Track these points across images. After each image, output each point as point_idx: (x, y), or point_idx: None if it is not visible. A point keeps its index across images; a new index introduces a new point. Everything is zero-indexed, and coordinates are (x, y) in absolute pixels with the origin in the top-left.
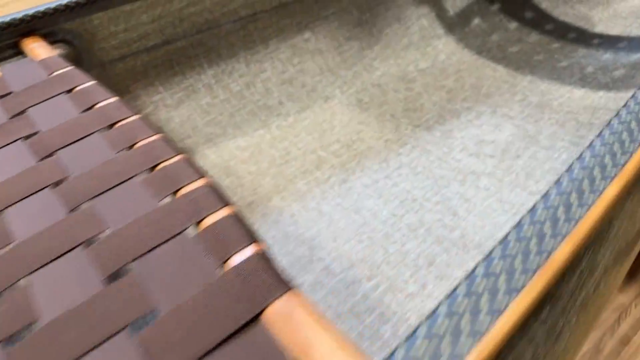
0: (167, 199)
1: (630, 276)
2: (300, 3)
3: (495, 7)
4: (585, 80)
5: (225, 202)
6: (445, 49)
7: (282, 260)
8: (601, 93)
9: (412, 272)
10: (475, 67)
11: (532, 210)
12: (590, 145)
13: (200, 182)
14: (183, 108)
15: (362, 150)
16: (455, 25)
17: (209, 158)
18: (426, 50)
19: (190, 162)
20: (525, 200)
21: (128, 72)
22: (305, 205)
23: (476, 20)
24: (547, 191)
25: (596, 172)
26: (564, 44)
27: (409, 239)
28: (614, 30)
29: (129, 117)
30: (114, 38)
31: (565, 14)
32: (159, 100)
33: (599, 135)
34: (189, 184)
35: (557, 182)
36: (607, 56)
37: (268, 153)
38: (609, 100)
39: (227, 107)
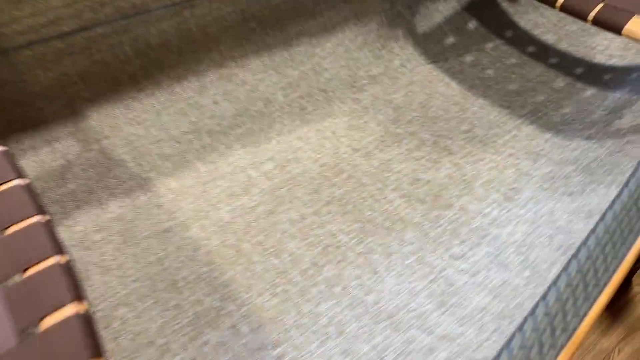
0: None
1: (613, 318)
2: None
3: (457, 6)
4: (536, 114)
5: (57, 249)
6: (402, 53)
7: (190, 310)
8: (548, 135)
9: (321, 341)
10: (428, 81)
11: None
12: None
13: (32, 220)
14: (102, 102)
15: (296, 175)
16: (415, 26)
17: (127, 165)
18: (381, 52)
19: (27, 192)
20: (445, 266)
21: (37, 60)
22: (225, 241)
23: (437, 20)
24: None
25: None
26: (523, 61)
27: (324, 297)
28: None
29: None
30: (18, 23)
31: (544, 31)
32: (74, 93)
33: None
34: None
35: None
36: (561, 83)
37: (194, 166)
38: (554, 147)
39: (154, 104)
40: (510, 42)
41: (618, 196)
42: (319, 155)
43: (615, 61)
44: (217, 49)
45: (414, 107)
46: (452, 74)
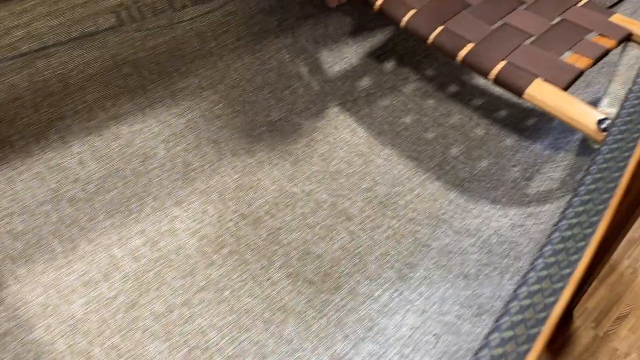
0: None
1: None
2: (116, 33)
3: (372, 40)
4: (444, 168)
5: None
6: (306, 94)
7: None
8: (453, 195)
9: None
10: (334, 127)
11: None
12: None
13: None
14: None
15: (169, 252)
16: (322, 63)
17: None
18: (282, 94)
19: None
20: None
21: None
22: (73, 345)
23: (348, 57)
24: None
25: None
26: (442, 104)
27: None
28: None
29: None
30: None
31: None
32: None
33: None
34: None
35: None
36: (480, 130)
37: (48, 245)
38: (457, 211)
39: (6, 169)
40: (431, 81)
41: (515, 297)
42: (199, 226)
43: None
44: (82, 100)
45: (315, 159)
46: (360, 118)
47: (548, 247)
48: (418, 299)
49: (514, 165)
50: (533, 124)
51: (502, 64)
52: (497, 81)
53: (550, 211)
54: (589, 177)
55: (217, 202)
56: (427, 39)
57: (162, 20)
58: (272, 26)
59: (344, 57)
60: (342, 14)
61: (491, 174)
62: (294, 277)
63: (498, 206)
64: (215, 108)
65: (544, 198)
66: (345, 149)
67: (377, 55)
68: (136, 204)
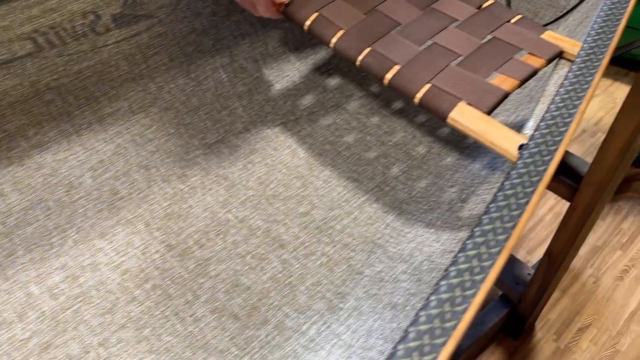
0: None
1: None
2: (34, 59)
3: (317, 57)
4: (383, 189)
5: None
6: (245, 115)
7: None
8: (390, 218)
9: None
10: (273, 149)
11: None
12: None
13: None
14: None
15: (89, 288)
16: (262, 82)
17: None
18: (220, 115)
19: None
20: None
21: None
22: None
23: (290, 75)
24: None
25: None
26: (386, 121)
27: None
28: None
29: None
30: None
31: None
32: None
33: None
34: None
35: None
36: (422, 148)
37: None
38: (392, 235)
39: None
40: (376, 97)
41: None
42: (122, 259)
43: None
44: (2, 130)
45: (251, 183)
46: (301, 138)
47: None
48: (345, 332)
49: (451, 186)
50: (474, 141)
51: (426, 87)
52: (422, 105)
53: None
54: (493, 205)
55: (144, 232)
56: (355, 60)
57: (84, 45)
58: (207, 46)
59: (285, 75)
60: (283, 31)
61: (429, 195)
62: (219, 312)
63: (432, 230)
64: (147, 132)
65: (474, 223)
66: (283, 171)
67: (321, 72)
68: (58, 237)
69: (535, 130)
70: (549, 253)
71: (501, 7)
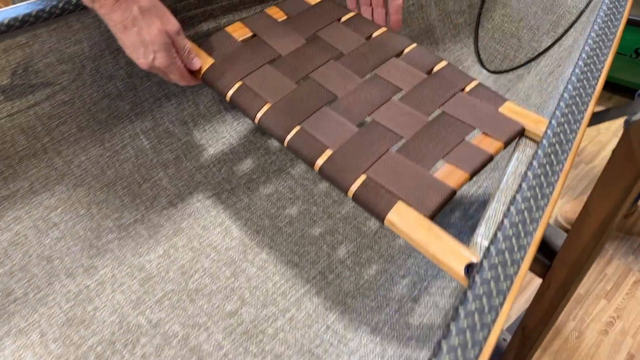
0: None
1: None
2: None
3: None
4: (327, 277)
5: None
6: (171, 186)
7: None
8: (332, 317)
9: None
10: (201, 229)
11: None
12: None
13: None
14: None
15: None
16: (193, 148)
17: None
18: (141, 189)
19: None
20: None
21: None
22: None
23: (228, 137)
24: None
25: None
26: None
27: None
28: None
29: None
30: None
31: None
32: None
33: None
34: None
35: None
36: (374, 224)
37: None
38: (333, 340)
39: None
40: None
41: None
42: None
43: None
44: None
45: (172, 274)
46: (237, 212)
47: None
48: None
49: (403, 276)
50: None
51: (362, 178)
52: (356, 200)
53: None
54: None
55: (37, 345)
56: (282, 140)
57: None
58: (124, 110)
59: (220, 137)
60: None
61: (378, 287)
62: None
63: (377, 338)
64: (52, 215)
65: (423, 337)
66: (212, 256)
67: (262, 131)
68: None
69: (491, 242)
70: (522, 327)
71: (454, 70)
